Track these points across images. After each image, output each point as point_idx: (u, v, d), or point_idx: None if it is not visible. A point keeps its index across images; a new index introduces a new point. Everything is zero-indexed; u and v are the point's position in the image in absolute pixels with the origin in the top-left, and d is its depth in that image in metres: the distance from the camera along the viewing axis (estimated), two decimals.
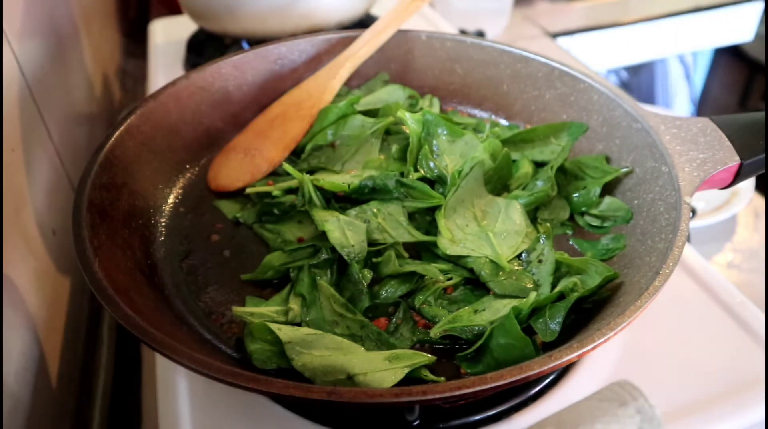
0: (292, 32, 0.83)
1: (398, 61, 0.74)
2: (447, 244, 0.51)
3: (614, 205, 0.56)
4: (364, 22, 0.93)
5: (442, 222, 0.53)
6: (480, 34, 1.24)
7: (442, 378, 0.43)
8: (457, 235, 0.53)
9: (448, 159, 0.59)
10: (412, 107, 0.69)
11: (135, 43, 1.36)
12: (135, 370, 0.63)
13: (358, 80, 0.73)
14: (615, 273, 0.47)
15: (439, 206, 0.54)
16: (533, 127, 0.64)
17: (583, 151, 0.63)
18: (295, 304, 0.48)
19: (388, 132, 0.65)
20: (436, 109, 0.72)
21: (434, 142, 0.60)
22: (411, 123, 0.59)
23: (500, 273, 0.50)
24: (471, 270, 0.51)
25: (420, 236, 0.53)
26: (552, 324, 0.45)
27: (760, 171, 0.52)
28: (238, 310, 0.48)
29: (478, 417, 0.46)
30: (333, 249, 0.51)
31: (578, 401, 0.31)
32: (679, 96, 1.80)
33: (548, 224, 0.56)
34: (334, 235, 0.51)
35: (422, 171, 0.58)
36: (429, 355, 0.44)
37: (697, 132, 0.53)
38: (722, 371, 0.49)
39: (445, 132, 0.60)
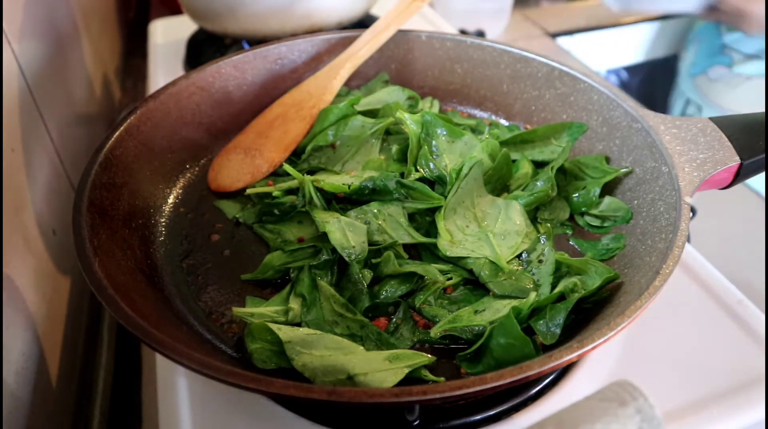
0: (293, 32, 0.83)
1: (398, 61, 0.74)
2: (446, 246, 0.51)
3: (614, 205, 0.56)
4: (364, 22, 0.93)
5: (441, 224, 0.53)
6: (480, 34, 1.24)
7: (442, 378, 0.43)
8: (457, 236, 0.53)
9: (447, 159, 0.59)
10: (412, 109, 0.69)
11: (135, 43, 1.36)
12: (135, 370, 0.63)
13: (358, 80, 0.73)
14: (615, 274, 0.47)
15: (440, 207, 0.54)
16: (533, 129, 0.64)
17: (583, 151, 0.63)
18: (295, 304, 0.48)
19: (388, 132, 0.65)
20: (435, 110, 0.72)
21: (433, 142, 0.60)
22: (410, 124, 0.59)
23: (500, 273, 0.50)
24: (471, 271, 0.51)
25: (419, 238, 0.53)
26: (552, 327, 0.45)
27: (760, 171, 0.52)
28: (238, 311, 0.48)
29: (478, 417, 0.46)
30: (333, 250, 0.51)
31: (578, 401, 0.31)
32: None
33: (549, 225, 0.56)
34: (335, 236, 0.51)
35: (422, 171, 0.58)
36: (429, 356, 0.44)
37: (697, 132, 0.53)
38: (722, 371, 0.49)
39: (445, 132, 0.60)
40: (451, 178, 0.55)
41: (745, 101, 1.35)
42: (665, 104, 1.55)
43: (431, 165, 0.57)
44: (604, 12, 1.52)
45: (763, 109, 1.38)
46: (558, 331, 0.45)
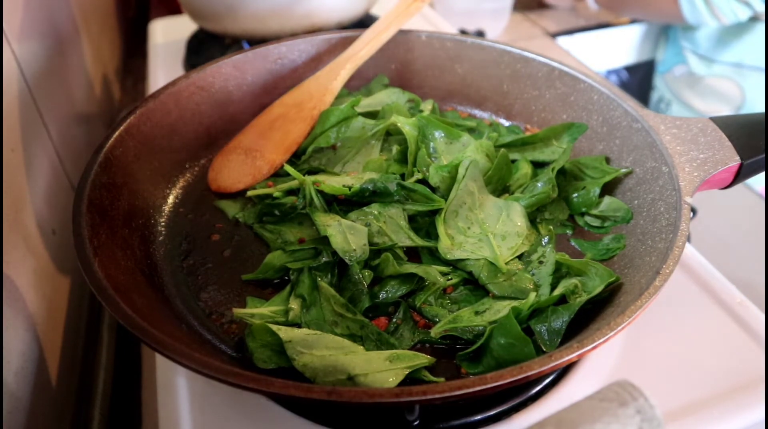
0: (292, 32, 0.83)
1: (398, 61, 0.74)
2: (447, 250, 0.51)
3: (614, 205, 0.56)
4: (364, 22, 0.93)
5: (441, 228, 0.53)
6: (480, 34, 1.24)
7: (442, 378, 0.43)
8: (458, 238, 0.52)
9: (446, 161, 0.59)
10: (412, 111, 0.69)
11: (135, 43, 1.36)
12: (135, 370, 0.63)
13: (358, 81, 0.73)
14: (617, 277, 0.47)
15: (440, 209, 0.54)
16: (533, 134, 0.64)
17: (583, 151, 0.63)
18: (295, 305, 0.48)
19: (389, 133, 0.65)
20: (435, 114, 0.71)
21: (431, 144, 0.60)
22: (407, 127, 0.59)
23: (499, 274, 0.50)
24: (470, 272, 0.51)
25: (419, 241, 0.53)
26: (554, 335, 0.45)
27: (760, 171, 0.52)
28: (238, 311, 0.48)
29: (478, 417, 0.46)
30: (334, 252, 0.51)
31: (578, 401, 0.31)
32: None
33: (551, 227, 0.56)
34: (336, 240, 0.50)
35: (421, 173, 0.58)
36: (429, 357, 0.44)
37: (697, 132, 0.53)
38: (722, 371, 0.49)
39: (442, 134, 0.60)
40: (442, 177, 0.55)
41: (701, 98, 1.43)
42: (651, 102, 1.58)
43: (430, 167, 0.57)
44: (604, 12, 1.52)
45: (718, 107, 1.43)
46: (558, 339, 0.45)
